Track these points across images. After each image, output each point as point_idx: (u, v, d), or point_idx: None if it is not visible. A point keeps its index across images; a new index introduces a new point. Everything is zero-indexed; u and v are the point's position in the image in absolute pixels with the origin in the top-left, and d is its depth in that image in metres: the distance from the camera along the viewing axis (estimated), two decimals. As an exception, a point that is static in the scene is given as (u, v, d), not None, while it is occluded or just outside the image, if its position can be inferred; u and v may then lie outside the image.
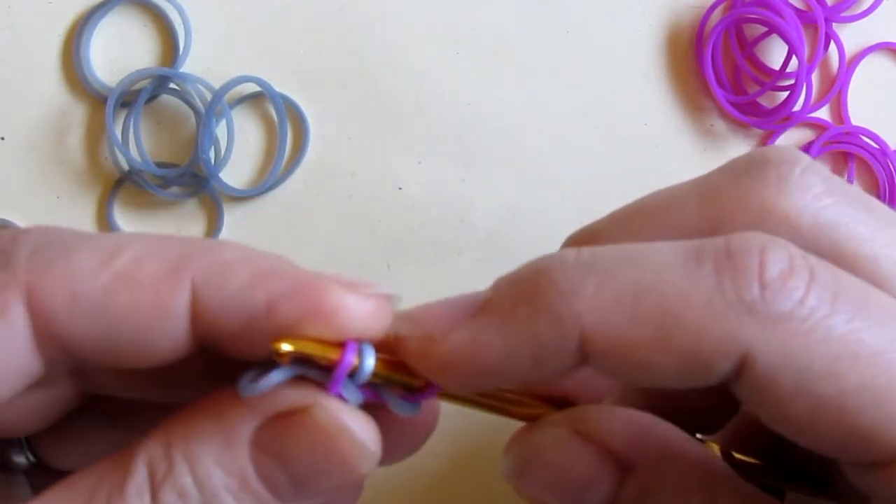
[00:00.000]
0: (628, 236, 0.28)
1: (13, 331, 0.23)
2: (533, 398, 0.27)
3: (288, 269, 0.24)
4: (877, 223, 0.26)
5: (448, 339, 0.23)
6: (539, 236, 0.44)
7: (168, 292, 0.23)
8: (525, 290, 0.23)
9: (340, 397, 0.24)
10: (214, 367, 0.26)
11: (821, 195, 0.26)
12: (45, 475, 0.29)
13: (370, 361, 0.24)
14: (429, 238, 0.44)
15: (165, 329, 0.23)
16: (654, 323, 0.22)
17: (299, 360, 0.23)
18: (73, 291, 0.23)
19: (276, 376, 0.23)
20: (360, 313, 0.23)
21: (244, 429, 0.23)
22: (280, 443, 0.23)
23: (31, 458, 0.29)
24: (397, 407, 0.25)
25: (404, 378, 0.25)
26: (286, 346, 0.23)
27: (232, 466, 0.23)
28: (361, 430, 0.24)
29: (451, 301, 0.24)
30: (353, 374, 0.24)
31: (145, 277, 0.23)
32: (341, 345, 0.24)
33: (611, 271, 0.23)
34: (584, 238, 0.29)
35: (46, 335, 0.23)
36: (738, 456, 0.29)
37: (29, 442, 0.29)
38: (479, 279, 0.46)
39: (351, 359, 0.24)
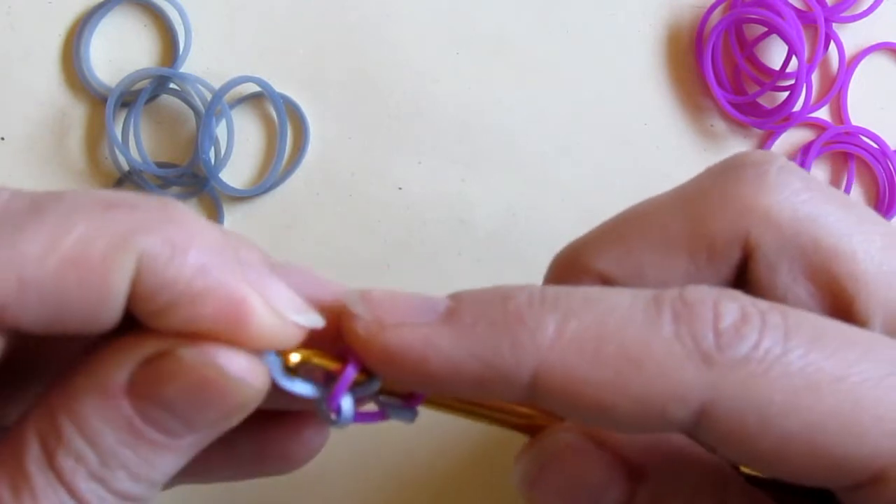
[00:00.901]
0: (617, 246, 0.29)
1: None
2: (536, 409, 0.27)
3: (227, 269, 0.24)
4: (855, 219, 0.27)
5: (398, 331, 0.23)
6: (539, 236, 0.44)
7: (114, 272, 0.23)
8: (489, 312, 0.23)
9: (338, 409, 0.25)
10: None
11: (799, 191, 0.27)
12: None
13: (377, 381, 0.25)
14: (429, 238, 0.44)
15: (109, 306, 0.24)
16: (613, 367, 0.22)
17: (305, 368, 0.25)
18: (22, 279, 0.23)
19: (301, 388, 0.25)
20: (271, 339, 0.24)
21: (117, 381, 0.23)
22: (155, 387, 0.24)
23: None
24: (394, 415, 0.25)
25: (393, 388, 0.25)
26: (295, 357, 0.24)
27: (118, 419, 0.23)
28: (231, 362, 0.24)
29: (409, 296, 0.24)
30: (355, 386, 0.25)
31: (93, 259, 0.23)
32: (343, 357, 0.25)
33: (574, 312, 0.23)
34: (574, 254, 0.30)
35: None
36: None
37: None
38: (479, 279, 0.46)
39: (352, 373, 0.24)
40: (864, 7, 0.46)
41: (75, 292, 0.23)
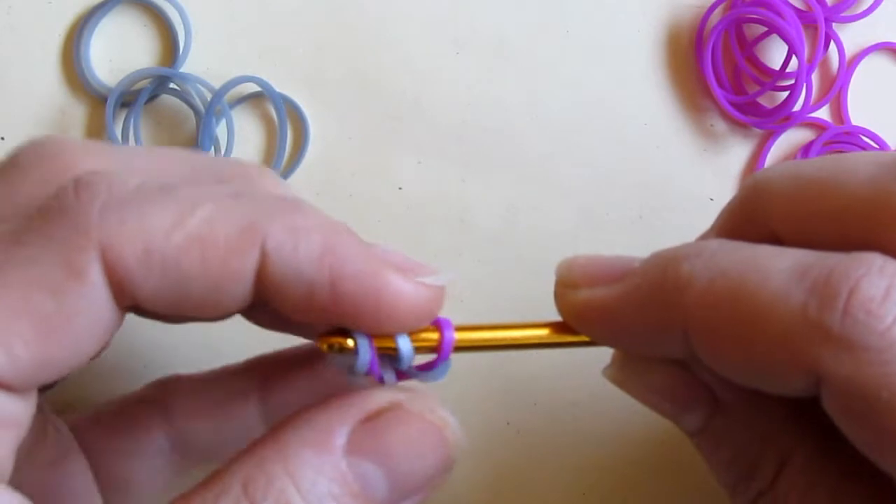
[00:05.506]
0: (796, 215, 0.26)
1: (95, 293, 0.23)
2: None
3: (354, 246, 0.24)
4: None
5: (578, 292, 0.26)
6: (539, 236, 0.44)
7: (239, 256, 0.23)
8: (655, 272, 0.25)
9: (378, 378, 0.25)
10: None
11: None
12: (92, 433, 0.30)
13: (450, 333, 0.26)
14: (429, 238, 0.44)
15: (231, 290, 0.24)
16: (742, 327, 0.23)
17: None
18: (147, 251, 0.23)
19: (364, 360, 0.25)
20: (416, 307, 0.25)
21: (339, 434, 0.23)
22: (376, 442, 0.24)
23: None
24: (429, 376, 0.26)
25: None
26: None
27: (333, 472, 0.23)
28: (448, 414, 0.25)
29: (604, 260, 0.26)
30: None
31: (218, 239, 0.23)
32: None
33: (724, 272, 0.23)
34: (756, 204, 0.27)
35: (120, 292, 0.24)
36: None
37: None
38: (479, 279, 0.46)
39: (450, 335, 0.26)
40: (864, 7, 0.46)
41: (197, 270, 0.23)
